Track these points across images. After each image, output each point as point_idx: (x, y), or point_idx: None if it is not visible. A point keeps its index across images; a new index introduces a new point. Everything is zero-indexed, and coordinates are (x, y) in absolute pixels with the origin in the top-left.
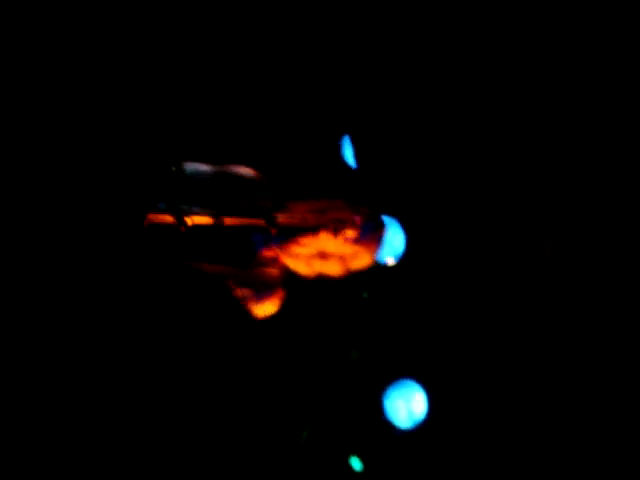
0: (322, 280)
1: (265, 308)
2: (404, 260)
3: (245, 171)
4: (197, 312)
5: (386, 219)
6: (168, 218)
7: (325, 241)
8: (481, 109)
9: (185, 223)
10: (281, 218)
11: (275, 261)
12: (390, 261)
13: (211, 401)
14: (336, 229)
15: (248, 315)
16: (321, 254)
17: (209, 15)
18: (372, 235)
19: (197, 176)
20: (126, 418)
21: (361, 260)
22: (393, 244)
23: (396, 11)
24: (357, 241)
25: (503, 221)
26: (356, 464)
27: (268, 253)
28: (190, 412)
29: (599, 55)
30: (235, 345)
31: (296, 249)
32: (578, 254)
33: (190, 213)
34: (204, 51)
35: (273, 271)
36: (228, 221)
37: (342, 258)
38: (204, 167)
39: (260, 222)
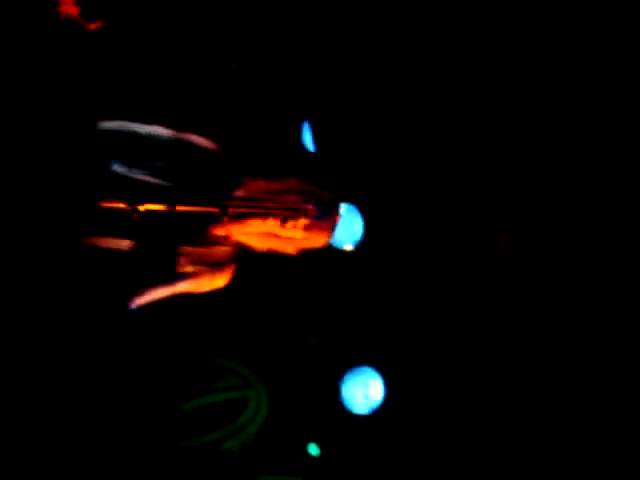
0: (276, 257)
1: (216, 282)
2: (362, 246)
3: (203, 142)
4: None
5: (345, 205)
6: (120, 204)
7: (275, 227)
8: (444, 90)
9: (137, 210)
10: (233, 206)
11: (226, 239)
12: (348, 247)
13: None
14: (285, 218)
15: (199, 293)
16: (272, 235)
17: None
18: (325, 221)
19: (154, 140)
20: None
21: (312, 243)
22: (351, 230)
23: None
24: (308, 228)
25: (466, 207)
26: (313, 450)
27: (219, 231)
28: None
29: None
30: (183, 324)
31: (247, 229)
32: (532, 239)
33: (143, 200)
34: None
35: (225, 248)
36: (181, 208)
37: (292, 240)
38: (162, 131)
39: (213, 209)
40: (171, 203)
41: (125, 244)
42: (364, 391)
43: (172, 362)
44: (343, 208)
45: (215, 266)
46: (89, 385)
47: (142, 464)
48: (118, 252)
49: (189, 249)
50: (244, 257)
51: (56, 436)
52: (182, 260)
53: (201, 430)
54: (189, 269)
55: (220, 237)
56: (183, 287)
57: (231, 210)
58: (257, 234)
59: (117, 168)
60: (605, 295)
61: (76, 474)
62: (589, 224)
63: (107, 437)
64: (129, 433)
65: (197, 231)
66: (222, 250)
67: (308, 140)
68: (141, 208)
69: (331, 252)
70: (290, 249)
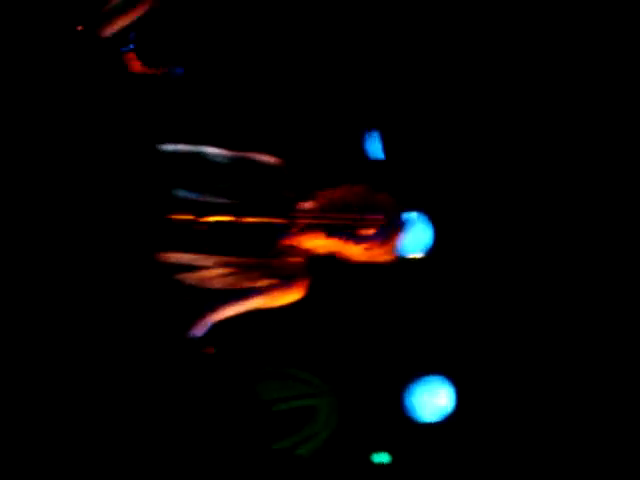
0: (346, 267)
1: (290, 296)
2: (432, 254)
3: (266, 159)
4: (220, 304)
5: (414, 214)
6: (188, 216)
7: (341, 238)
8: (496, 107)
9: (205, 222)
10: (301, 218)
11: (297, 249)
12: (417, 255)
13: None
14: (352, 228)
15: (274, 305)
16: (340, 245)
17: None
18: (391, 233)
19: (216, 162)
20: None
21: (379, 256)
22: (421, 238)
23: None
24: (375, 239)
25: (530, 216)
26: (382, 458)
27: (289, 242)
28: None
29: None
30: (264, 337)
31: (315, 241)
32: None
33: (210, 213)
34: (223, 37)
35: (295, 260)
36: (249, 219)
37: (360, 251)
38: (224, 152)
39: (280, 220)
40: (237, 215)
41: (195, 258)
42: (433, 399)
43: (248, 372)
44: (412, 216)
45: (288, 279)
46: (165, 390)
47: (219, 466)
48: (189, 267)
49: (260, 262)
50: (315, 268)
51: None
52: (254, 274)
53: (276, 436)
54: (262, 283)
55: (289, 248)
56: (258, 302)
57: (299, 221)
58: (325, 245)
59: (183, 193)
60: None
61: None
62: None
63: (186, 437)
64: (209, 436)
65: (266, 243)
66: (293, 262)
67: (376, 148)
68: (209, 219)
69: (400, 261)
70: (360, 257)
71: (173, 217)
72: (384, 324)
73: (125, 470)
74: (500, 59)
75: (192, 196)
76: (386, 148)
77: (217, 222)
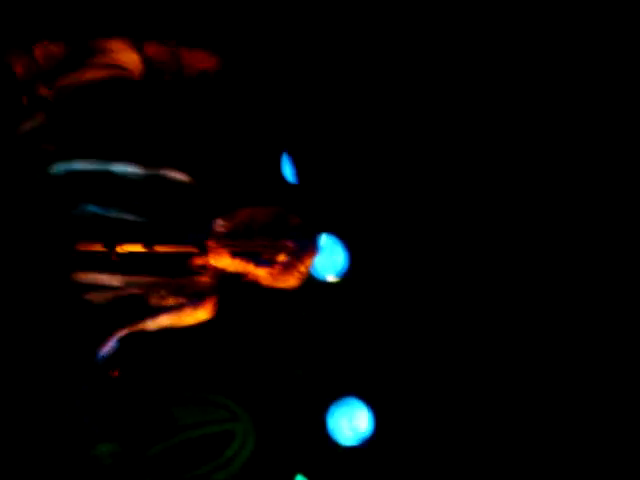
0: (256, 288)
1: (198, 315)
2: (347, 277)
3: (178, 175)
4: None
5: (327, 236)
6: (98, 246)
7: (252, 263)
8: (426, 121)
9: (116, 252)
10: (212, 246)
11: (206, 269)
12: (331, 278)
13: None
14: (263, 254)
15: (182, 324)
16: (251, 269)
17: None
18: (304, 256)
19: (125, 177)
20: None
21: (291, 279)
22: (335, 261)
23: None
24: (287, 263)
25: (448, 237)
26: None
27: (199, 261)
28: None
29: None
30: (169, 356)
31: (226, 261)
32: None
33: (120, 240)
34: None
35: (204, 279)
36: (160, 249)
37: (272, 274)
38: (135, 169)
39: (192, 249)
40: (149, 243)
41: (105, 278)
42: (350, 422)
43: (160, 396)
44: (324, 239)
45: (196, 297)
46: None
47: None
48: (97, 287)
49: (169, 281)
50: (226, 289)
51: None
52: (162, 292)
53: (191, 463)
54: (170, 301)
55: (199, 267)
56: (165, 321)
57: (210, 248)
58: (235, 266)
59: (91, 209)
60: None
61: None
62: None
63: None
64: (121, 464)
65: (175, 262)
66: (202, 281)
67: (288, 171)
68: (119, 250)
69: (315, 284)
70: (269, 280)
71: (81, 246)
72: (299, 346)
73: None
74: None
75: (99, 217)
76: (300, 170)
77: (127, 252)
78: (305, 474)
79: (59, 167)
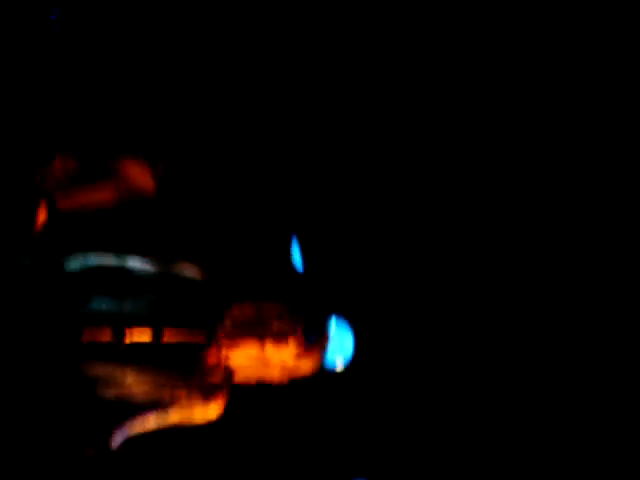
0: (265, 385)
1: (209, 412)
2: (353, 363)
3: (190, 271)
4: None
5: (335, 321)
6: (106, 335)
7: (266, 351)
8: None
9: (123, 340)
10: (222, 334)
11: (218, 368)
12: (339, 364)
13: None
14: (277, 341)
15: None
16: (263, 363)
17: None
18: (315, 345)
19: (139, 273)
20: None
21: (304, 368)
22: (342, 347)
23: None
24: (299, 351)
25: (451, 314)
26: None
27: (211, 360)
28: None
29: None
30: (181, 450)
31: (237, 359)
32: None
33: (129, 325)
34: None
35: (216, 376)
36: (167, 338)
37: (284, 367)
38: (148, 264)
39: (199, 339)
40: (158, 332)
41: (115, 372)
42: None
43: None
44: (333, 325)
45: (207, 394)
46: None
47: None
48: (107, 379)
49: (181, 377)
50: (235, 384)
51: None
52: (174, 389)
53: None
54: (181, 398)
55: (211, 365)
56: (175, 417)
57: (220, 335)
58: (248, 361)
59: (101, 305)
60: None
61: None
62: None
63: None
64: None
65: (187, 359)
66: (214, 379)
67: (297, 259)
68: (127, 339)
69: (323, 373)
70: (279, 377)
71: (92, 335)
72: (307, 440)
73: None
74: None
75: (112, 309)
76: (307, 257)
77: (137, 343)
78: None
79: (75, 262)
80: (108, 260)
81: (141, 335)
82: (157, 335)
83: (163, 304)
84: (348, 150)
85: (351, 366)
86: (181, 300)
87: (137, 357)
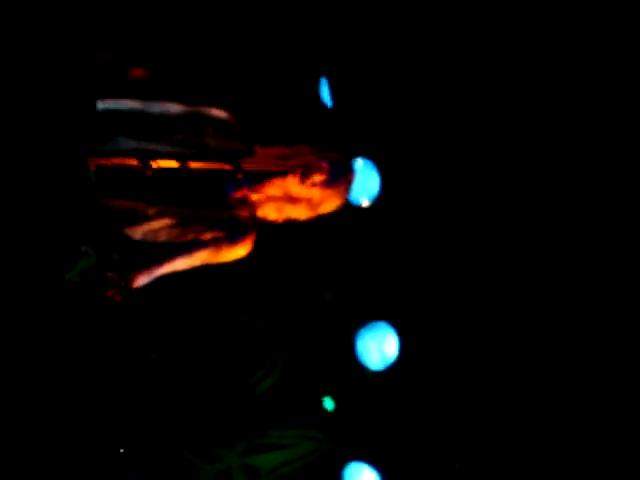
0: (291, 224)
1: (237, 251)
2: (379, 201)
3: (217, 113)
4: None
5: (361, 160)
6: (132, 161)
7: (292, 186)
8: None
9: (150, 166)
10: (248, 163)
11: (245, 203)
12: (365, 202)
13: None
14: (303, 174)
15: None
16: (289, 198)
17: None
18: (340, 179)
19: (166, 115)
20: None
21: (329, 204)
22: (368, 185)
23: None
24: (325, 185)
25: (480, 165)
26: (329, 404)
27: (237, 195)
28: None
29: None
30: (207, 291)
31: (264, 193)
32: (551, 204)
33: (155, 156)
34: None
35: (243, 213)
36: (194, 165)
37: (310, 202)
38: (175, 107)
39: (227, 167)
40: (184, 160)
41: (140, 206)
42: (379, 347)
43: (193, 321)
44: (359, 163)
45: (235, 233)
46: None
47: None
48: (133, 216)
49: (207, 213)
50: (262, 222)
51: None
52: (200, 226)
53: (222, 383)
54: (207, 236)
55: (237, 200)
56: (202, 257)
57: (245, 167)
58: (273, 201)
59: (129, 142)
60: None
61: None
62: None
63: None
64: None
65: (213, 192)
66: (241, 216)
67: (326, 96)
68: (153, 165)
69: (348, 208)
70: (306, 214)
71: (117, 162)
72: (333, 273)
73: None
74: None
75: (139, 144)
76: (337, 95)
77: (163, 169)
78: (332, 396)
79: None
80: (135, 105)
81: (166, 162)
82: (183, 164)
83: (190, 139)
84: None
85: (376, 204)
86: (208, 136)
87: (162, 189)
